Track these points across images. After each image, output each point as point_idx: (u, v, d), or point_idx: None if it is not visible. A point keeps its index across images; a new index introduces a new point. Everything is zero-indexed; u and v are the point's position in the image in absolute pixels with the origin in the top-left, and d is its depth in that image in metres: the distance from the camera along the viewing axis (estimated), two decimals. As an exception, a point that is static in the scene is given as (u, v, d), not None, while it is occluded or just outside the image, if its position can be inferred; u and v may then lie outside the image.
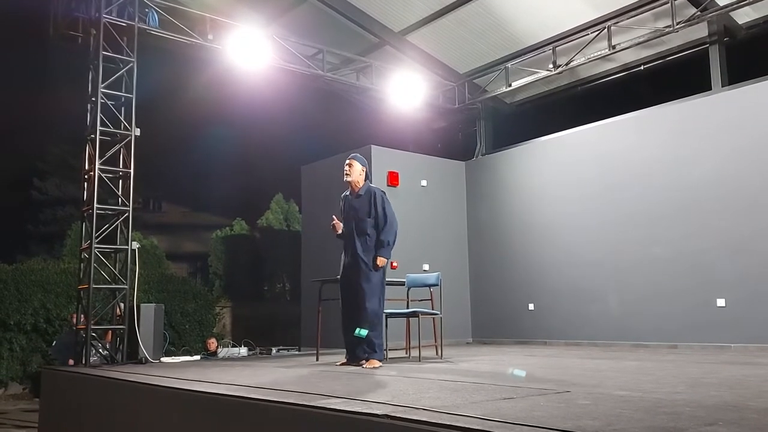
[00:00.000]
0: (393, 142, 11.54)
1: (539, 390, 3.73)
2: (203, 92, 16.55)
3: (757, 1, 8.21)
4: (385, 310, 6.66)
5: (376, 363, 5.82)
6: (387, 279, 7.74)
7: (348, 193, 6.29)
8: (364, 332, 5.84)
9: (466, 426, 2.50)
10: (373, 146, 10.42)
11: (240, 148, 22.26)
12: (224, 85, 12.60)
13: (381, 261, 5.96)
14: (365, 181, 6.23)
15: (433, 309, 6.96)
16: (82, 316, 7.46)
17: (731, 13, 8.65)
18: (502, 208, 10.98)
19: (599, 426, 2.48)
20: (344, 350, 6.23)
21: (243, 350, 9.48)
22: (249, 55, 9.15)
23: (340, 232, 6.18)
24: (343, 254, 6.20)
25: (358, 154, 6.35)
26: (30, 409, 9.29)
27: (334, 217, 6.22)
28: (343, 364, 6.03)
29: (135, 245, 7.66)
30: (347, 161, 6.21)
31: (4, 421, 8.90)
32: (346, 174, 6.16)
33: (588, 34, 9.60)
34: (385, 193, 6.20)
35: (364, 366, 5.79)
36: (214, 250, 18.35)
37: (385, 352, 6.22)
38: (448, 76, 11.51)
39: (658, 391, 3.74)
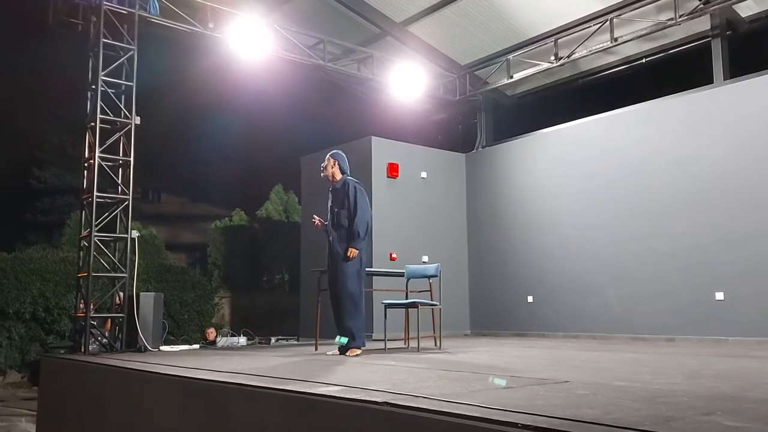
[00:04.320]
0: (393, 133, 11.52)
1: (538, 380, 3.74)
2: (203, 81, 16.50)
3: (759, -5, 8.20)
4: (384, 301, 6.71)
5: (356, 351, 6.01)
6: (387, 270, 7.78)
7: (330, 186, 6.49)
8: (344, 340, 6.05)
9: (466, 414, 2.51)
10: (373, 137, 10.41)
11: (240, 138, 22.20)
12: (224, 74, 12.56)
13: (351, 252, 6.06)
14: (342, 174, 6.39)
15: (432, 300, 6.97)
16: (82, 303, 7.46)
17: (734, 7, 8.62)
18: (502, 201, 10.97)
19: (598, 414, 2.49)
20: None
21: (242, 340, 9.47)
22: (249, 45, 9.11)
23: (320, 227, 6.43)
24: (327, 246, 6.38)
25: (335, 151, 6.55)
26: (28, 397, 9.31)
27: (314, 216, 6.50)
28: (334, 354, 6.12)
29: (135, 234, 7.65)
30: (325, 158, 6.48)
31: (3, 409, 8.92)
32: (322, 169, 6.43)
33: (590, 27, 9.56)
34: (360, 183, 6.36)
35: (347, 354, 5.95)
36: (213, 241, 18.34)
37: (380, 341, 6.29)
38: (449, 68, 11.48)
39: (656, 381, 3.75)
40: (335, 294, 6.17)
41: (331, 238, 6.25)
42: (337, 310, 6.15)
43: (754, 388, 3.46)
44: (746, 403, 2.90)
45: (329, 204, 6.42)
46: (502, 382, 3.81)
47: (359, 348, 6.05)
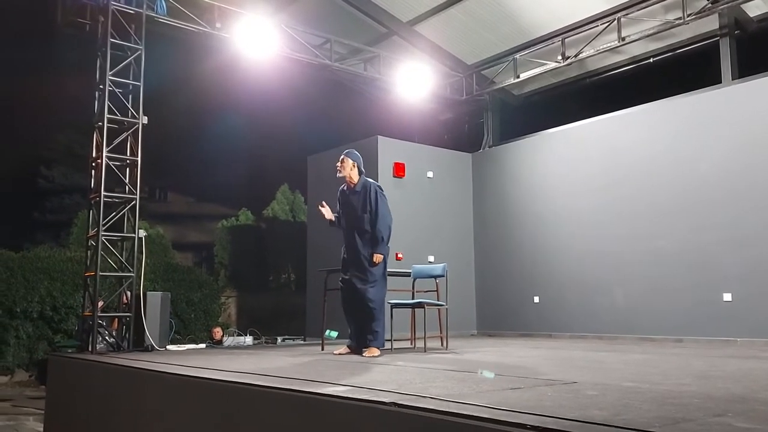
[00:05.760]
0: (400, 133, 11.51)
1: (546, 381, 3.72)
2: (210, 81, 16.54)
3: (769, -6, 8.15)
4: (390, 301, 6.69)
5: (375, 351, 5.95)
6: (393, 270, 7.76)
7: (345, 188, 6.36)
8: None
9: (474, 414, 2.50)
10: (379, 137, 10.40)
11: (246, 137, 22.26)
12: (231, 74, 12.59)
13: (377, 258, 6.03)
14: (360, 176, 6.28)
15: (438, 300, 6.96)
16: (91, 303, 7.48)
17: (742, 6, 8.56)
18: (509, 201, 10.95)
19: (607, 416, 2.48)
20: (348, 340, 6.31)
21: (248, 339, 9.49)
22: (257, 44, 9.12)
23: (330, 218, 6.31)
24: (344, 249, 6.30)
25: (351, 150, 6.41)
26: (36, 396, 9.35)
27: (323, 203, 6.38)
28: (340, 354, 6.11)
29: (142, 233, 7.67)
30: (340, 158, 6.29)
31: (11, 408, 8.96)
32: (339, 170, 6.25)
33: (598, 26, 9.53)
34: (380, 187, 6.26)
35: (363, 354, 5.91)
36: (220, 240, 18.39)
37: (386, 341, 6.29)
38: (455, 67, 11.47)
39: (664, 383, 3.73)
40: (360, 300, 6.04)
41: (356, 242, 6.12)
42: (359, 316, 6.08)
43: (763, 389, 3.43)
44: (757, 404, 2.88)
45: (346, 207, 6.28)
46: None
47: (378, 348, 6.00)
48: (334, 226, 6.41)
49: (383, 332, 6.10)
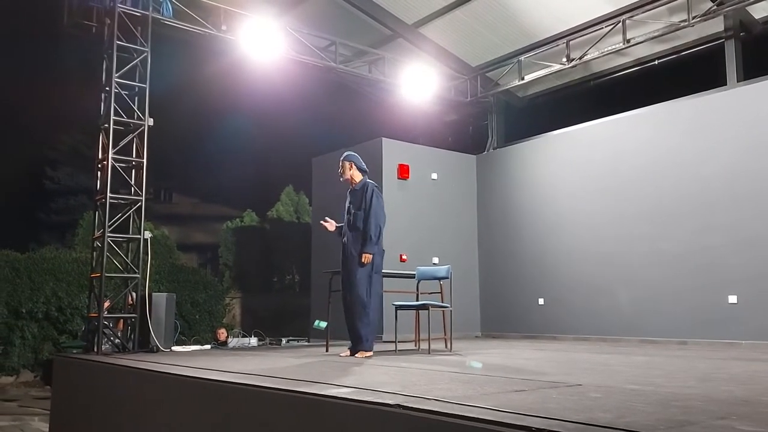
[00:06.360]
0: (404, 134, 11.53)
1: (550, 383, 3.73)
2: (216, 83, 16.60)
3: (774, -4, 8.13)
4: (394, 303, 6.70)
5: (366, 354, 5.98)
6: (397, 271, 7.77)
7: (350, 188, 6.46)
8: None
9: (479, 417, 2.50)
10: (384, 139, 10.42)
11: (251, 139, 22.32)
12: (237, 76, 12.63)
13: (365, 257, 6.02)
14: (363, 175, 6.37)
15: (442, 302, 6.96)
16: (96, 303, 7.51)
17: (747, 8, 8.56)
18: (513, 203, 10.95)
19: (611, 418, 2.48)
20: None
21: (253, 340, 9.51)
22: (262, 47, 9.16)
23: (333, 229, 6.39)
24: (341, 247, 6.36)
25: (348, 153, 6.48)
26: (41, 396, 9.39)
27: (327, 219, 6.46)
28: (346, 356, 6.11)
29: (147, 234, 7.69)
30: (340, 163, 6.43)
31: (16, 408, 8.99)
32: (340, 174, 6.40)
33: (602, 28, 9.53)
34: (377, 186, 6.32)
35: (356, 356, 5.96)
36: (225, 241, 18.46)
37: (386, 343, 6.29)
38: (460, 69, 11.47)
39: (668, 385, 3.73)
40: (347, 297, 6.14)
41: (345, 239, 6.22)
42: (348, 313, 6.13)
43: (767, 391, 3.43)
44: (761, 407, 2.88)
45: (347, 205, 6.38)
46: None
47: (366, 351, 6.01)
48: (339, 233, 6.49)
49: (369, 334, 6.05)
